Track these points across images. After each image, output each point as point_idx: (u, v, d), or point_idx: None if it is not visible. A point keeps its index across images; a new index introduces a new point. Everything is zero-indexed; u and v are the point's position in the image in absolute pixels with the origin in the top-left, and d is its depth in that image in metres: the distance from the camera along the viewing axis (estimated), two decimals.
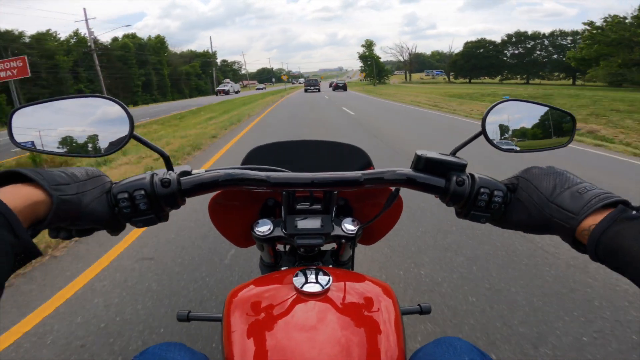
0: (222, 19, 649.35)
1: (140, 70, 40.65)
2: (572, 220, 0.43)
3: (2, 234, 0.34)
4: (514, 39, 55.54)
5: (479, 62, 58.83)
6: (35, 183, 0.40)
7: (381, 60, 69.94)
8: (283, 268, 0.79)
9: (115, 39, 41.31)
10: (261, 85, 79.61)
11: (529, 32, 54.70)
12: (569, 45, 50.09)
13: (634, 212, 0.39)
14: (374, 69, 65.24)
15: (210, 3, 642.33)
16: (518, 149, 0.59)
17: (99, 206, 0.46)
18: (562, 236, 0.45)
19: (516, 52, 56.03)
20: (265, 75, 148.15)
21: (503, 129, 0.58)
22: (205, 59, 64.36)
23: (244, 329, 0.51)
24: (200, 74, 61.28)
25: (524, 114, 0.60)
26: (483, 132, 0.56)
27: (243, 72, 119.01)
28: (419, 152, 0.55)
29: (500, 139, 0.58)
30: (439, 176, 0.54)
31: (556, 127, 0.61)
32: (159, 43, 48.05)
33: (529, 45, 54.61)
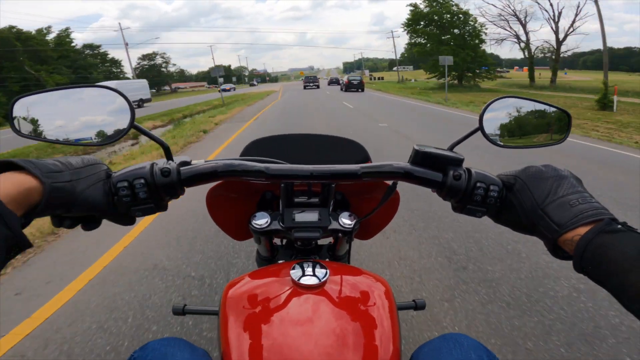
0: (186, 20, 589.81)
1: None
2: (554, 232, 0.44)
3: None
4: None
5: None
6: (26, 171, 0.41)
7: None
8: (280, 261, 0.78)
9: None
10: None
11: None
12: None
13: (619, 225, 0.40)
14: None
15: (174, 3, 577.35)
16: (514, 145, 0.61)
17: (94, 193, 0.46)
18: (544, 243, 0.47)
19: None
20: (221, 75, 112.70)
21: (500, 125, 0.59)
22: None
23: (240, 322, 0.52)
24: None
25: (521, 111, 0.61)
26: (480, 127, 0.57)
27: (172, 68, 79.99)
28: (417, 147, 0.56)
29: (498, 135, 0.59)
30: (436, 170, 0.55)
31: (553, 125, 0.62)
32: None
33: None
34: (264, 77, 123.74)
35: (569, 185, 0.47)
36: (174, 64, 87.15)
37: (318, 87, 35.90)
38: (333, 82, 43.48)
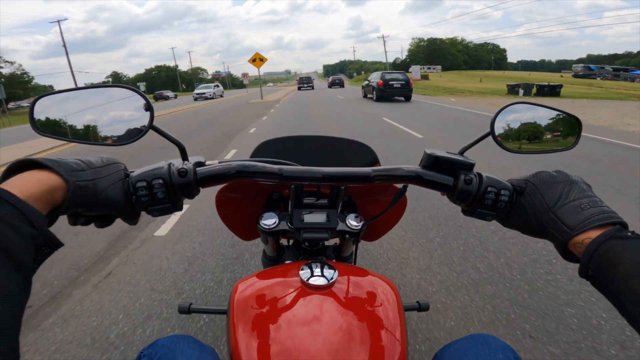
0: (159, 22, 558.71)
1: None
2: (566, 234, 0.46)
3: (20, 226, 0.34)
4: None
5: None
6: (50, 169, 0.41)
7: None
8: (287, 262, 0.81)
9: None
10: None
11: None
12: None
13: (630, 233, 0.42)
14: None
15: (146, 5, 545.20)
16: (524, 150, 0.62)
17: (114, 192, 0.48)
18: (555, 245, 0.49)
19: None
20: (161, 82, 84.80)
21: (511, 130, 0.61)
22: None
23: (250, 322, 0.53)
24: None
25: (532, 117, 0.62)
26: (491, 132, 0.58)
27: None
28: (428, 151, 0.57)
29: (508, 140, 0.60)
30: (447, 174, 0.56)
31: (563, 130, 0.64)
32: None
33: None
34: (213, 81, 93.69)
35: (580, 190, 0.49)
36: (12, 62, 53.88)
37: (312, 87, 37.66)
38: (336, 83, 38.11)
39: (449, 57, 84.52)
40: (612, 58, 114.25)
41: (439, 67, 60.97)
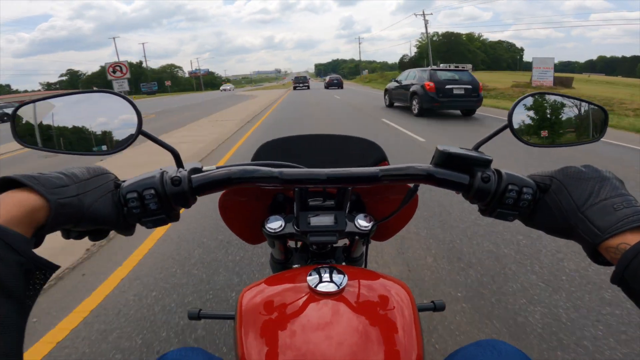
0: (147, 21, 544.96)
1: None
2: (596, 237, 0.42)
3: (2, 254, 0.33)
4: None
5: None
6: (29, 188, 0.39)
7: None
8: (295, 265, 0.82)
9: None
10: None
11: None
12: None
13: None
14: None
15: (134, 4, 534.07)
16: (545, 143, 0.58)
17: (103, 206, 0.45)
18: (583, 247, 0.46)
19: None
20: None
21: (531, 122, 0.57)
22: None
23: (257, 330, 0.52)
24: None
25: (554, 108, 0.59)
26: (509, 125, 0.55)
27: None
28: (440, 147, 0.54)
29: (527, 133, 0.57)
30: (462, 172, 0.53)
31: (587, 122, 0.60)
32: None
33: None
34: (190, 81, 76.16)
35: (612, 188, 0.45)
36: None
37: (308, 87, 38.55)
38: (334, 84, 35.84)
39: (467, 54, 72.16)
40: (634, 60, 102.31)
41: (470, 65, 47.96)
